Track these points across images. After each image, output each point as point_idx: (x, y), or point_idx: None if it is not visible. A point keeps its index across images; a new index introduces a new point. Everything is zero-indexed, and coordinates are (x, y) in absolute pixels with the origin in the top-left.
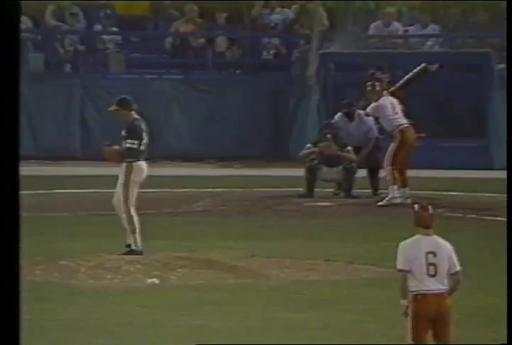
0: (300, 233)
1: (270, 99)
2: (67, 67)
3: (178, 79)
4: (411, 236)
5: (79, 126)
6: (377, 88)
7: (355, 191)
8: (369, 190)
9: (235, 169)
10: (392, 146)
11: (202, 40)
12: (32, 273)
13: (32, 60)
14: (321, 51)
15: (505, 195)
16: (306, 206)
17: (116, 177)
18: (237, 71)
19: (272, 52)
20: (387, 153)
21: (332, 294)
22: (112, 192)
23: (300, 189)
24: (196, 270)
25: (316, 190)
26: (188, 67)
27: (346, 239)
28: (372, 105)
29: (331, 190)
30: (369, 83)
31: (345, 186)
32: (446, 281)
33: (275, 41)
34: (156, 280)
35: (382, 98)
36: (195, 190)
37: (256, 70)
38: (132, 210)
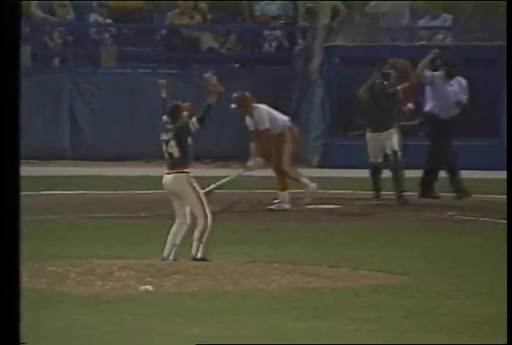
0: (303, 237)
1: (270, 94)
2: (56, 61)
3: (174, 73)
4: (419, 240)
5: (68, 123)
6: (247, 103)
7: (362, 193)
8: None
9: (233, 170)
10: (287, 147)
11: (199, 33)
12: None
13: None
14: (326, 44)
15: None
16: (309, 209)
17: (107, 177)
18: (236, 65)
19: (274, 44)
20: (287, 155)
21: (336, 301)
22: (103, 193)
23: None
24: (192, 276)
25: (320, 191)
26: (184, 61)
27: (351, 244)
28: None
29: (337, 191)
30: (237, 95)
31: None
32: None
33: (278, 33)
34: (150, 287)
35: (256, 110)
36: None
37: (256, 63)
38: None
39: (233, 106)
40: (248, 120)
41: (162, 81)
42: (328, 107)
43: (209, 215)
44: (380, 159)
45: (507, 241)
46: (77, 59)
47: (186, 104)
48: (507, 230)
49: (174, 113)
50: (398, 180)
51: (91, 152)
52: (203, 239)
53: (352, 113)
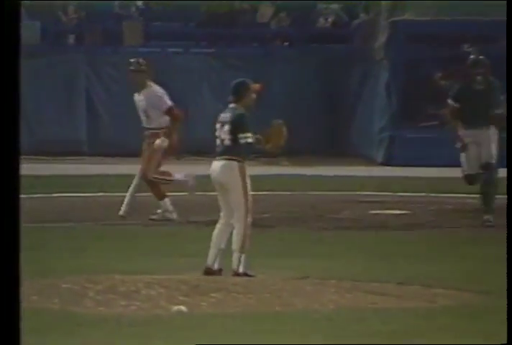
0: (365, 248)
1: (325, 78)
2: (71, 39)
3: (209, 53)
4: (505, 253)
5: (85, 112)
6: (148, 70)
7: (436, 195)
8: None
9: (281, 167)
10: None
11: (241, 5)
12: (26, 299)
13: (25, 30)
14: (393, 18)
15: None
16: (373, 215)
17: (132, 177)
18: (285, 43)
19: (330, 19)
20: (156, 162)
21: (406, 325)
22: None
23: (367, 193)
24: (233, 295)
25: (386, 193)
26: (221, 38)
27: (424, 257)
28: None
29: (406, 194)
30: (136, 60)
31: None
32: None
33: (335, 6)
34: (183, 307)
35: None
36: None
37: (308, 41)
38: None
39: (132, 68)
40: (137, 97)
41: None
42: (395, 92)
43: (249, 221)
44: (477, 168)
45: (507, 241)
46: (95, 36)
47: (256, 85)
48: (507, 230)
49: (238, 91)
50: (487, 197)
51: (112, 147)
52: (245, 249)
53: (424, 100)
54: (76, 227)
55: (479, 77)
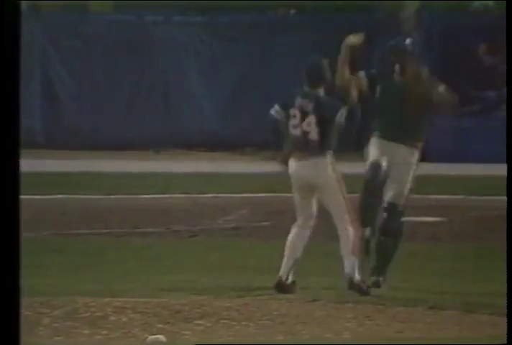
0: (389, 264)
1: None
2: (23, 4)
3: (196, 23)
4: None
5: (40, 95)
6: None
7: (477, 199)
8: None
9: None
10: None
11: None
12: None
13: None
14: None
15: None
16: None
17: (99, 175)
18: (291, 11)
19: None
20: None
21: None
22: (92, 198)
23: None
24: (224, 322)
25: (415, 196)
26: (211, 5)
27: (461, 274)
28: None
29: (440, 196)
30: None
31: None
32: None
33: None
34: (161, 337)
35: None
36: (224, 195)
37: (320, 9)
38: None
39: None
40: None
41: None
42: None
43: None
44: (380, 176)
45: (507, 240)
46: (54, 1)
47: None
48: (507, 230)
49: (325, 73)
50: (381, 255)
51: (74, 138)
52: (357, 252)
53: (464, 80)
54: (29, 238)
55: (396, 66)
